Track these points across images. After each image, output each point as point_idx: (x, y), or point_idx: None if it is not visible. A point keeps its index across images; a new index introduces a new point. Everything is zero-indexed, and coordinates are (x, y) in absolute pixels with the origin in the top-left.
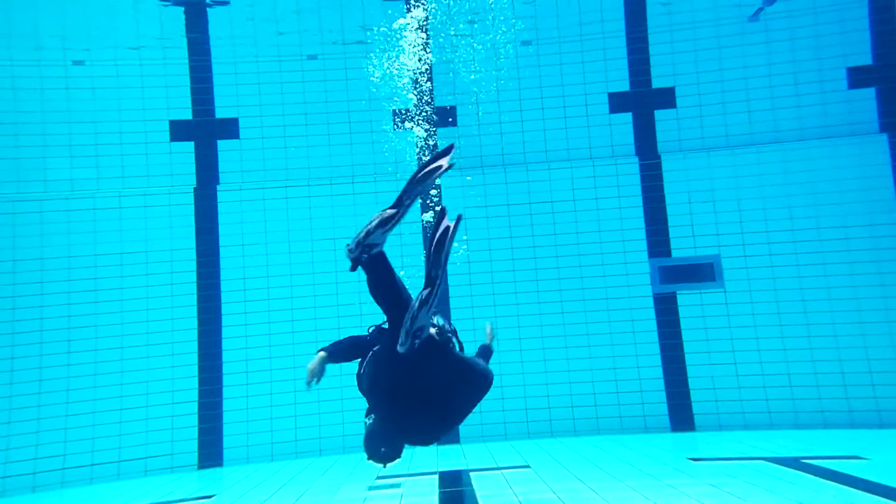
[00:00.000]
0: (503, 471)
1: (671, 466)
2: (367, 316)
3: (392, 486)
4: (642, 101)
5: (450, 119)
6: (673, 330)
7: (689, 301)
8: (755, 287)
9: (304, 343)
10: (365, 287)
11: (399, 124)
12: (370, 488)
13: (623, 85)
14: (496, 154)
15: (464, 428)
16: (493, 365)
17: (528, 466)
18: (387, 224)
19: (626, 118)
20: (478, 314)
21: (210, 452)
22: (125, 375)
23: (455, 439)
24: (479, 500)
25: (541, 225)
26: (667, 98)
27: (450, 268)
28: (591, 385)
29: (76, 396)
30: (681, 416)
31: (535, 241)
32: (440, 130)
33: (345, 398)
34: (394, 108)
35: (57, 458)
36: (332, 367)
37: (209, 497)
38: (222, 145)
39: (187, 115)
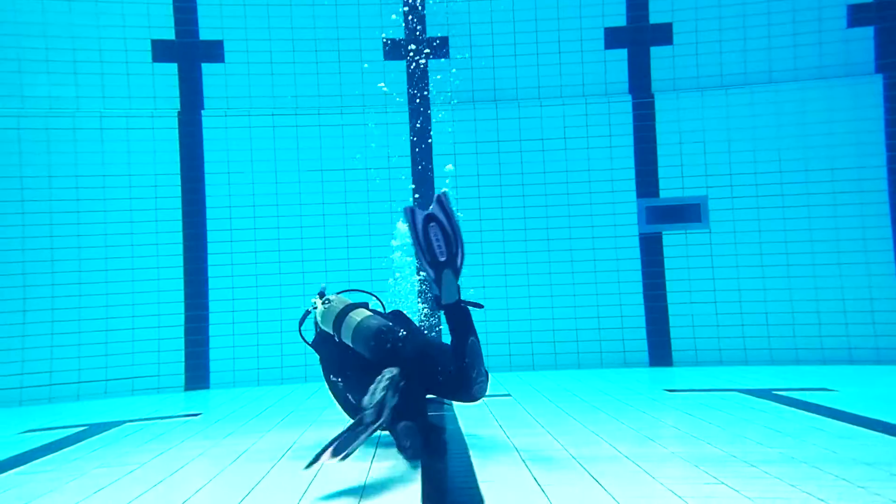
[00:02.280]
0: (484, 399)
1: (647, 396)
2: (353, 248)
3: None
4: (638, 36)
5: (443, 50)
6: (656, 269)
7: (673, 241)
8: (739, 228)
9: (290, 273)
10: (351, 224)
11: (390, 54)
12: None
13: (620, 20)
14: (488, 89)
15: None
16: (481, 300)
17: (508, 395)
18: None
19: (622, 55)
20: (466, 250)
21: (196, 375)
22: (110, 298)
23: None
24: (461, 423)
25: (531, 163)
26: (664, 34)
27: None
28: (574, 321)
29: (61, 316)
30: (659, 352)
31: (525, 179)
32: (432, 62)
33: None
34: (385, 37)
35: (43, 375)
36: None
37: (196, 414)
38: (207, 69)
39: (170, 34)
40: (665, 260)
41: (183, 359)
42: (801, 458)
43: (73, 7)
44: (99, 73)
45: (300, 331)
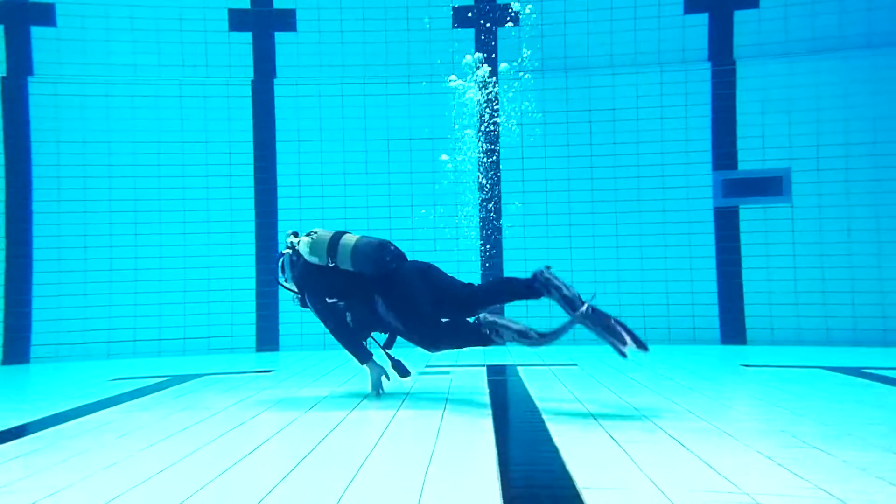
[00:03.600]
0: (550, 367)
1: (722, 369)
2: (417, 218)
3: (441, 372)
4: (722, 0)
5: (509, 18)
6: (731, 244)
7: (751, 215)
8: (825, 203)
9: None
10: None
11: (458, 22)
12: (420, 374)
13: None
14: (559, 57)
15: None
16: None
17: (574, 364)
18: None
19: (702, 19)
20: (529, 222)
21: (267, 337)
22: (187, 260)
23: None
24: (528, 386)
25: (600, 133)
26: None
27: (503, 175)
28: (641, 296)
29: (143, 276)
30: (732, 329)
31: (593, 150)
32: (500, 30)
33: None
34: (453, 4)
35: (128, 331)
36: None
37: (268, 371)
38: (279, 38)
39: (246, 3)
40: (741, 235)
41: (254, 321)
42: None
43: None
44: (179, 42)
45: (277, 278)
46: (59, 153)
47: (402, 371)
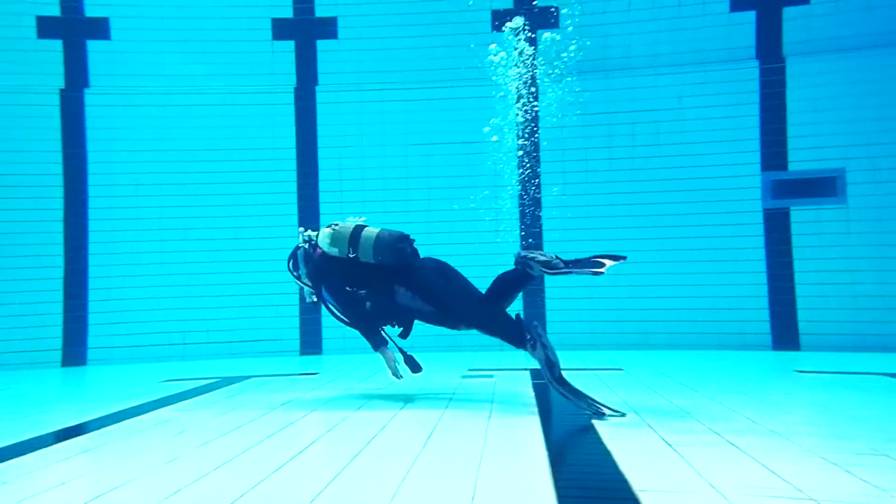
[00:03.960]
0: (595, 371)
1: (775, 375)
2: (457, 222)
3: (485, 375)
4: None
5: (552, 20)
6: (783, 247)
7: (803, 217)
8: (883, 203)
9: None
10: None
11: (498, 26)
12: (463, 377)
13: None
14: (598, 59)
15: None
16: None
17: (620, 369)
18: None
19: (749, 17)
20: (570, 225)
21: (310, 341)
22: (237, 265)
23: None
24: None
25: (642, 135)
26: None
27: (543, 178)
28: (688, 300)
29: (194, 282)
30: (784, 335)
31: (636, 153)
32: (539, 31)
33: None
34: (493, 8)
35: (177, 335)
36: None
37: (314, 374)
38: (321, 45)
39: (289, 12)
40: (792, 237)
41: (298, 325)
42: None
43: None
44: (226, 52)
45: (289, 268)
46: (111, 162)
47: (414, 366)
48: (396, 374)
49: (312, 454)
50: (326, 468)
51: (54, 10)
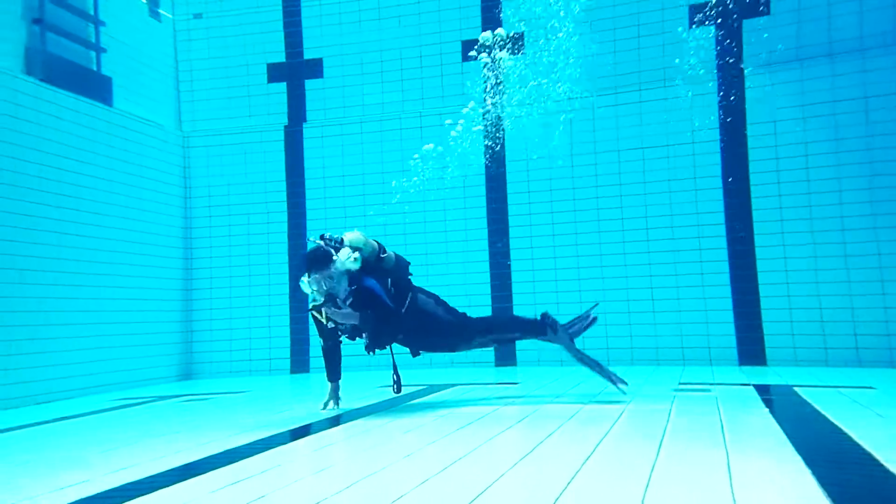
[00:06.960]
0: (838, 389)
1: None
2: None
3: (702, 390)
4: None
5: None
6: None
7: None
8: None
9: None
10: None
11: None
12: (675, 390)
13: None
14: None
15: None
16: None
17: (872, 388)
18: None
19: None
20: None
21: (506, 353)
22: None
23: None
24: (819, 408)
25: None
26: None
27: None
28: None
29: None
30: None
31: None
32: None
33: None
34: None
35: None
36: None
37: (515, 383)
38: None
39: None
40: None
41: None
42: None
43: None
44: (419, 78)
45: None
46: (325, 187)
47: (398, 388)
48: (327, 406)
49: (546, 450)
50: (567, 465)
51: (280, 57)
